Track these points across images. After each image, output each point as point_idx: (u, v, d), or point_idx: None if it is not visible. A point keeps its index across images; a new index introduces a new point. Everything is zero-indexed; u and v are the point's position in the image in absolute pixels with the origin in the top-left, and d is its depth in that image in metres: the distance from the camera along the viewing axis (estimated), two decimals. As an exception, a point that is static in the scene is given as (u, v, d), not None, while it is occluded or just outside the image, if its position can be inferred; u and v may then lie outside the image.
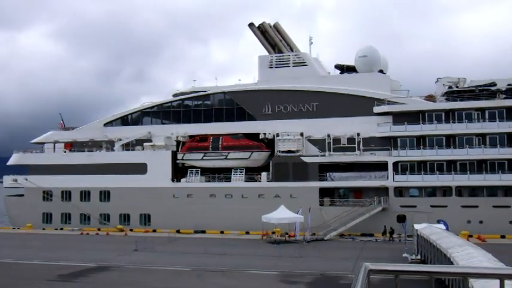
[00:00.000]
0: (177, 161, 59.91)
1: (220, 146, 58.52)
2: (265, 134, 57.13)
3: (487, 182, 50.44)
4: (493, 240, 45.31)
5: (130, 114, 64.18)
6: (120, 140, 62.42)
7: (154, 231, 56.63)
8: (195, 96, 61.46)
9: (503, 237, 47.55)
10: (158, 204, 57.55)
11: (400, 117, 53.50)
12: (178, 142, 60.65)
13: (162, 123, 62.41)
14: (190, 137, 60.43)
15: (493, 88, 53.60)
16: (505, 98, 52.35)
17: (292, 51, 60.94)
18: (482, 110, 52.01)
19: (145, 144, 61.22)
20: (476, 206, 49.88)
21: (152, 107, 63.26)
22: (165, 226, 55.60)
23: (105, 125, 64.21)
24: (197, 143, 59.58)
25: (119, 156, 61.03)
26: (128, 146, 62.26)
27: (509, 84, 53.60)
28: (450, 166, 52.04)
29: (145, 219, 58.92)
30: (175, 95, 63.33)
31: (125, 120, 64.07)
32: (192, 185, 57.83)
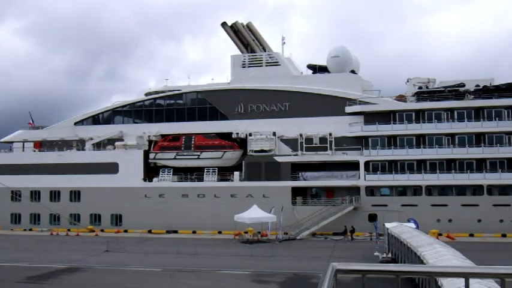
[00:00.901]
0: (149, 161, 59.35)
1: (192, 145, 58.20)
2: (237, 133, 57.06)
3: (455, 181, 51.45)
4: (462, 238, 46.26)
5: (102, 113, 63.26)
6: (92, 139, 61.49)
7: (125, 231, 55.99)
8: (167, 95, 60.96)
9: (471, 235, 48.61)
10: (130, 204, 56.88)
11: (372, 117, 54.13)
12: (150, 141, 60.06)
13: (134, 123, 61.73)
14: (163, 136, 59.91)
15: (461, 89, 54.73)
16: (473, 99, 53.49)
17: (265, 51, 61.03)
18: (451, 110, 53.02)
19: (116, 143, 60.45)
20: (446, 205, 50.83)
21: (124, 106, 62.50)
22: (137, 226, 55.07)
23: (76, 124, 63.13)
24: (169, 142, 59.10)
25: (90, 156, 60.10)
26: (99, 146, 61.37)
27: (477, 85, 54.83)
28: (420, 165, 52.90)
29: (117, 219, 58.17)
30: (147, 94, 62.71)
31: (96, 119, 63.12)
32: (164, 185, 57.34)
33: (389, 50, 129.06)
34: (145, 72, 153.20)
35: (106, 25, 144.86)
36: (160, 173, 58.36)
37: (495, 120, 51.96)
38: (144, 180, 58.39)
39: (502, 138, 52.03)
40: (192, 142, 58.29)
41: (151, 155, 59.11)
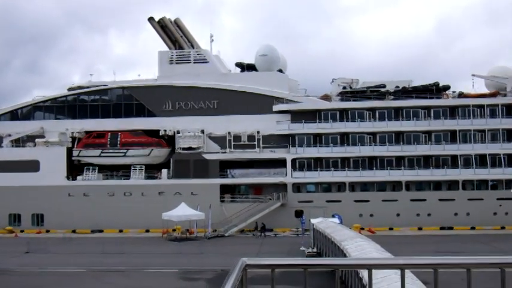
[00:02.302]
0: (73, 158, 57.25)
1: (118, 142, 56.82)
2: (165, 130, 56.36)
3: (376, 177, 53.86)
4: (382, 232, 48.48)
5: (21, 108, 60.21)
6: (10, 135, 58.37)
7: (48, 231, 53.75)
8: (92, 91, 59.07)
9: (391, 229, 51.10)
10: (52, 204, 54.50)
11: (298, 116, 55.39)
12: (73, 138, 57.86)
13: (56, 119, 59.23)
14: (87, 133, 57.98)
15: (382, 89, 57.40)
16: (393, 99, 56.29)
17: (193, 47, 60.64)
18: (373, 109, 55.38)
19: (37, 140, 57.75)
20: (368, 201, 53.06)
21: (45, 101, 59.82)
22: (60, 226, 52.97)
23: (-8, 119, 59.65)
24: (94, 139, 57.33)
25: (8, 153, 57.06)
26: (18, 142, 58.39)
27: (396, 87, 57.76)
28: (344, 163, 54.85)
29: (38, 219, 55.62)
30: (70, 89, 60.40)
31: (14, 115, 59.94)
32: (88, 183, 55.56)
33: (316, 50, 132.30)
34: (68, 66, 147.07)
35: (25, 14, 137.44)
36: (85, 171, 56.51)
37: (413, 119, 54.89)
38: (68, 178, 56.31)
39: (419, 136, 55.09)
40: (118, 139, 56.89)
41: (75, 152, 57.07)
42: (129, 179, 55.53)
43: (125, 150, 56.47)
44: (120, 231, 52.97)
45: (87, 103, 58.87)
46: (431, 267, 3.03)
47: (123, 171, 56.23)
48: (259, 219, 50.86)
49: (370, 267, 3.04)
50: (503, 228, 50.57)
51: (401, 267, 3.05)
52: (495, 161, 53.76)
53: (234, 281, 2.87)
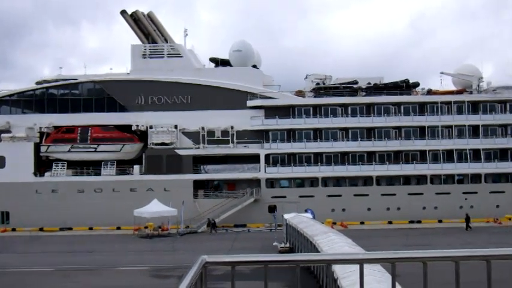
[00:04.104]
0: (41, 154, 55.96)
1: (89, 137, 55.85)
2: (137, 125, 55.64)
3: (348, 172, 54.39)
4: (354, 226, 49.01)
5: (-14, 102, 58.51)
6: (-26, 130, 56.67)
7: (14, 230, 52.41)
8: (61, 85, 57.81)
9: (362, 223, 51.69)
10: (18, 201, 53.02)
11: (272, 111, 55.45)
12: (42, 133, 56.57)
13: (23, 113, 57.74)
14: (56, 128, 56.77)
15: (355, 86, 57.96)
16: (365, 96, 56.92)
17: (167, 42, 59.98)
18: (345, 106, 55.85)
19: (3, 135, 56.15)
20: (340, 195, 53.56)
21: (11, 95, 58.23)
22: (27, 224, 51.67)
23: (-45, 113, 57.77)
24: (63, 134, 56.16)
25: (-28, 149, 55.39)
26: (-17, 138, 56.73)
27: (368, 83, 58.44)
28: (317, 158, 55.19)
29: (3, 217, 54.12)
30: (38, 83, 58.91)
31: (-21, 109, 58.24)
32: (57, 179, 54.38)
33: (291, 46, 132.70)
34: (38, 60, 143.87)
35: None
36: (54, 167, 55.34)
37: (384, 115, 55.57)
38: (35, 174, 55.04)
39: (390, 132, 55.85)
40: (89, 134, 55.90)
41: (43, 148, 55.80)
42: (99, 175, 54.64)
43: (95, 146, 55.55)
44: (90, 228, 52.14)
45: (56, 97, 57.64)
46: (388, 262, 3.07)
47: (94, 167, 55.29)
48: (233, 214, 50.78)
49: (329, 263, 3.04)
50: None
51: (360, 262, 3.06)
52: (461, 156, 55.01)
53: (192, 279, 2.84)
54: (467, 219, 46.51)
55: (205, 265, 3.04)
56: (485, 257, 3.01)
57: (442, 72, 62.18)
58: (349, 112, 55.79)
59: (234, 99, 55.29)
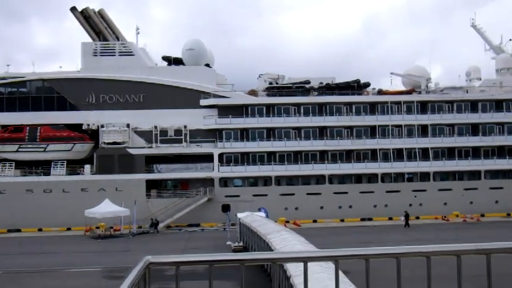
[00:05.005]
0: (-13, 154, 54.00)
1: (38, 137, 54.30)
2: (88, 124, 54.54)
3: (301, 171, 55.24)
4: (307, 224, 49.85)
5: None
6: None
7: (-42, 232, 50.39)
8: (8, 83, 55.91)
9: (315, 221, 52.63)
10: (-37, 202, 51.11)
11: (225, 111, 55.61)
12: (-13, 133, 54.56)
13: (-32, 112, 55.53)
14: (3, 127, 54.86)
15: (307, 86, 58.91)
16: (317, 95, 57.96)
17: (119, 40, 59.03)
18: (298, 105, 56.68)
19: None
20: (293, 194, 54.31)
21: (-45, 93, 55.89)
22: (-28, 226, 49.82)
23: None
24: (11, 133, 54.37)
25: None
26: None
27: (321, 83, 59.51)
28: (270, 157, 55.76)
29: None
30: (-17, 81, 56.75)
31: None
32: (5, 180, 52.57)
33: (245, 45, 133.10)
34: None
35: None
36: (1, 167, 53.50)
37: (336, 115, 56.76)
38: (-19, 175, 53.04)
39: (342, 131, 57.10)
40: (38, 134, 54.35)
41: (-11, 148, 53.85)
42: (49, 175, 53.24)
43: (44, 145, 54.09)
44: (40, 230, 50.73)
45: (3, 95, 55.71)
46: (332, 259, 3.23)
47: (43, 167, 53.82)
48: (186, 214, 50.64)
49: (274, 261, 3.16)
50: (417, 218, 53.55)
51: (304, 261, 3.21)
52: (411, 154, 56.89)
53: (134, 279, 2.80)
54: (407, 217, 48.18)
55: (149, 266, 3.01)
56: (425, 253, 3.22)
57: (392, 73, 64.29)
58: (302, 111, 56.65)
59: (187, 98, 55.08)
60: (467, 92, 60.96)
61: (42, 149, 54.04)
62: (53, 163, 53.68)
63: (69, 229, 50.14)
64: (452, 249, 3.29)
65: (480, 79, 64.34)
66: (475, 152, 57.57)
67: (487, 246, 3.28)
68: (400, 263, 3.26)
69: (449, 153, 57.53)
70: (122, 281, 2.70)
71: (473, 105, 58.73)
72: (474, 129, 58.24)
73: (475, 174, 56.84)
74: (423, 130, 57.86)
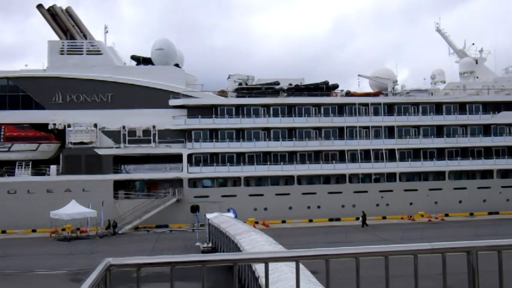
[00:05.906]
0: None
1: (2, 136, 53.01)
2: (54, 124, 53.50)
3: (271, 172, 55.50)
4: (276, 225, 50.12)
5: None
6: None
7: None
8: (-30, 81, 54.36)
9: (284, 222, 52.97)
10: None
11: (195, 111, 55.42)
12: (-52, 132, 52.92)
13: None
14: (-35, 126, 53.33)
15: (276, 87, 59.24)
16: (286, 96, 58.33)
17: (86, 38, 58.11)
18: (267, 106, 56.95)
19: None
20: (262, 195, 54.51)
21: None
22: None
23: None
24: (-27, 133, 52.90)
25: None
26: None
27: (290, 84, 59.92)
28: (239, 158, 55.84)
29: None
30: None
31: None
32: (-34, 181, 51.17)
33: (215, 45, 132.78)
34: None
35: None
36: (-38, 167, 52.02)
37: (304, 116, 57.26)
38: None
39: (310, 132, 57.64)
40: (1, 133, 53.05)
41: (-50, 148, 52.26)
42: (13, 175, 52.01)
43: (9, 145, 52.84)
44: (3, 232, 49.54)
45: (-35, 94, 54.12)
46: (293, 260, 3.31)
47: (7, 167, 52.54)
48: (155, 215, 50.23)
49: (235, 262, 3.21)
50: (384, 218, 54.52)
51: (266, 261, 3.29)
52: (378, 155, 57.84)
53: (93, 282, 2.76)
54: (364, 217, 48.99)
55: (109, 268, 2.97)
56: (384, 253, 3.34)
57: (359, 75, 65.22)
58: (271, 112, 56.94)
59: (155, 98, 54.67)
60: (432, 94, 62.41)
61: (6, 149, 52.78)
62: (17, 163, 52.47)
63: (34, 231, 49.09)
64: (408, 248, 3.45)
65: (444, 82, 66.03)
66: (440, 153, 58.96)
67: (441, 245, 3.44)
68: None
69: (415, 154, 58.75)
70: (81, 284, 2.70)
71: (437, 108, 60.14)
72: (439, 130, 59.66)
73: (439, 175, 58.21)
74: (390, 131, 58.92)
